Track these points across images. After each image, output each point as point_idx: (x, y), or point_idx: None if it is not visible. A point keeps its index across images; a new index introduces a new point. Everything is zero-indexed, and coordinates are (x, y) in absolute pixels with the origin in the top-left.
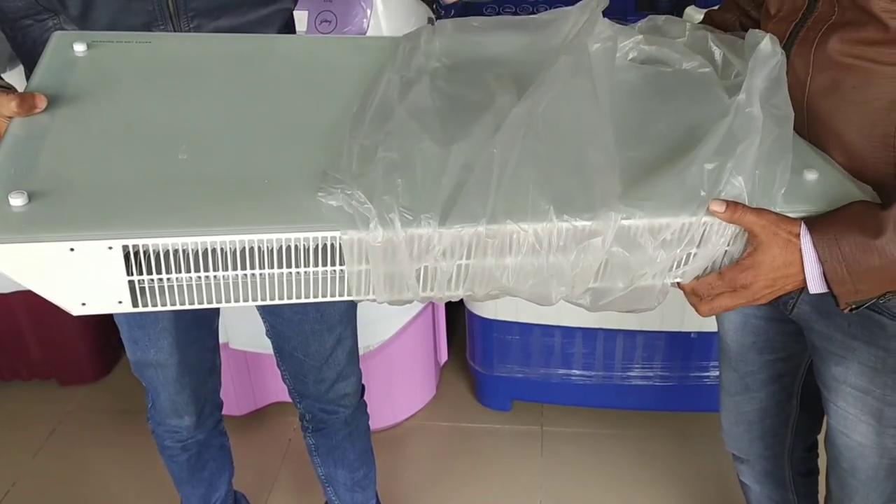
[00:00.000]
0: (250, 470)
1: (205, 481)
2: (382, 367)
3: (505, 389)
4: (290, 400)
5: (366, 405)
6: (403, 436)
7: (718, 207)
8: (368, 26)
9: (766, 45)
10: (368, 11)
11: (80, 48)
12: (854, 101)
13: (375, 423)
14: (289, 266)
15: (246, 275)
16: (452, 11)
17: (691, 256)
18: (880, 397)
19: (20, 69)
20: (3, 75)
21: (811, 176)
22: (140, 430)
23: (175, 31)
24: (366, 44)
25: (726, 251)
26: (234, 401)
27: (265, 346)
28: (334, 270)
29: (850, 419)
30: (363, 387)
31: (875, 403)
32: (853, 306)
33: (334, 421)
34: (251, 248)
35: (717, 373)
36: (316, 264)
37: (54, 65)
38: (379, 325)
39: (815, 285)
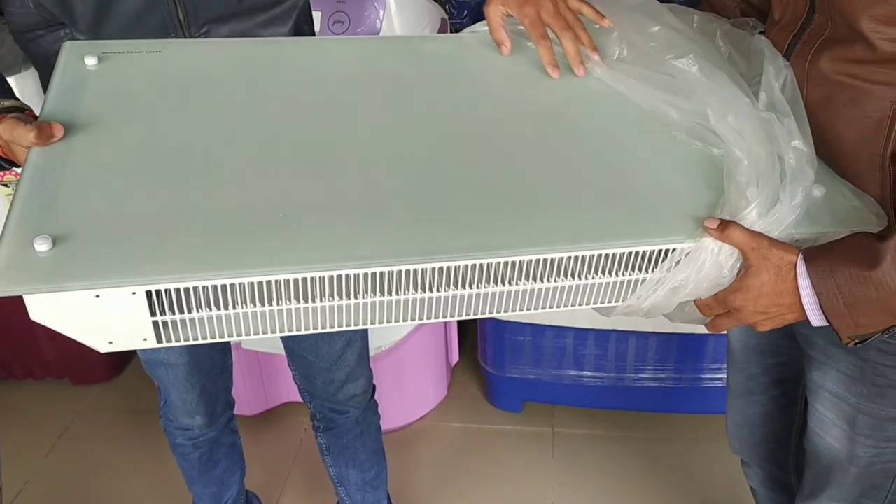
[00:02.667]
0: (262, 469)
1: (216, 480)
2: (394, 368)
3: (516, 391)
4: (301, 400)
5: (377, 405)
6: (414, 436)
7: (711, 224)
8: (381, 27)
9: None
10: (381, 12)
11: (91, 62)
12: (845, 118)
13: (387, 423)
14: (306, 301)
15: (266, 311)
16: (466, 12)
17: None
18: (855, 405)
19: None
20: (20, 74)
21: (818, 192)
22: (152, 429)
23: (186, 38)
24: (376, 45)
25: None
26: (245, 401)
27: (277, 347)
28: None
29: (827, 422)
30: (374, 387)
31: (850, 410)
32: (856, 340)
33: (344, 421)
34: (276, 283)
35: None
36: (335, 297)
37: (66, 83)
38: (391, 326)
39: (815, 317)
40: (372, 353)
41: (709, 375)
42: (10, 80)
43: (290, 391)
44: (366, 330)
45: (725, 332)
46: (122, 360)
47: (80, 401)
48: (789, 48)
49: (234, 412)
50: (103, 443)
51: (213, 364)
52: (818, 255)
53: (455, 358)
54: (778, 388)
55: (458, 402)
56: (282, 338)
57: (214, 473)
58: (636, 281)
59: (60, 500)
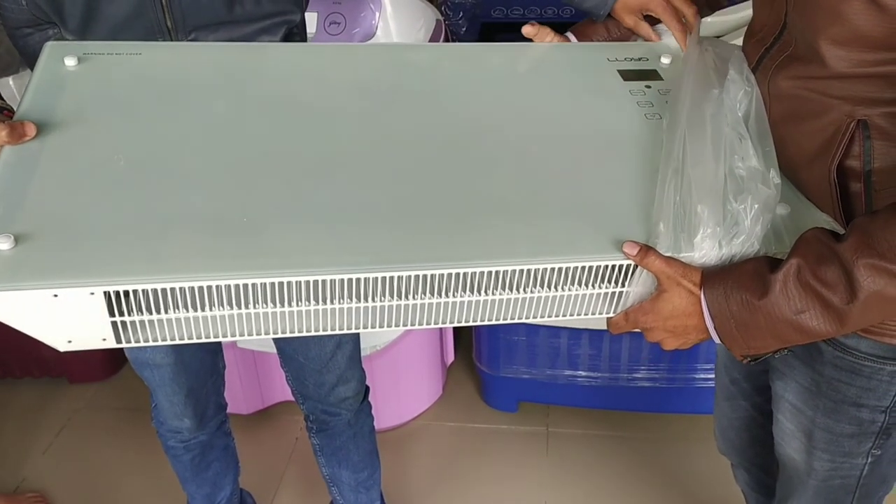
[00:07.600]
0: (257, 469)
1: (209, 481)
2: (389, 367)
3: (511, 390)
4: None
5: (370, 407)
6: (409, 436)
7: (630, 250)
8: (377, 28)
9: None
10: (377, 14)
11: (70, 62)
12: (805, 132)
13: (381, 422)
14: (275, 304)
15: (234, 314)
16: (461, 14)
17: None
18: (811, 419)
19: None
20: (18, 74)
21: (782, 211)
22: (149, 428)
23: None
24: (362, 52)
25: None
26: (241, 399)
27: (272, 346)
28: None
29: (788, 433)
30: (367, 389)
31: (807, 423)
32: (750, 359)
33: (337, 422)
34: (238, 287)
35: None
36: (307, 302)
37: (45, 83)
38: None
39: (716, 336)
40: (367, 351)
41: (702, 375)
42: (9, 80)
43: (285, 390)
44: (357, 333)
45: None
46: (120, 359)
47: (77, 399)
48: (758, 61)
49: (230, 411)
50: (100, 441)
51: (201, 366)
52: (714, 278)
53: (450, 357)
54: (760, 395)
55: (453, 402)
56: (273, 339)
57: (207, 475)
58: (618, 294)
59: (57, 497)
